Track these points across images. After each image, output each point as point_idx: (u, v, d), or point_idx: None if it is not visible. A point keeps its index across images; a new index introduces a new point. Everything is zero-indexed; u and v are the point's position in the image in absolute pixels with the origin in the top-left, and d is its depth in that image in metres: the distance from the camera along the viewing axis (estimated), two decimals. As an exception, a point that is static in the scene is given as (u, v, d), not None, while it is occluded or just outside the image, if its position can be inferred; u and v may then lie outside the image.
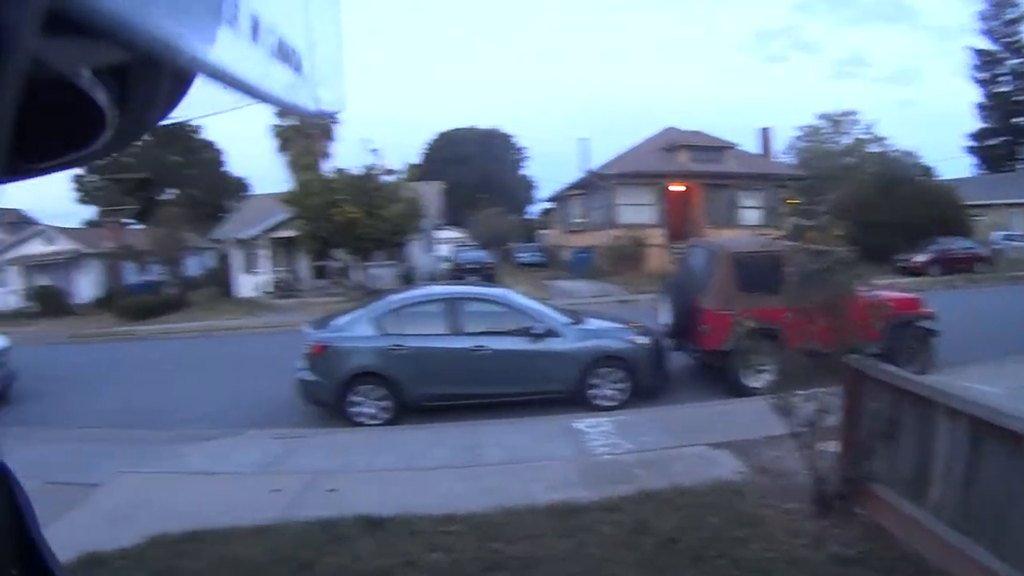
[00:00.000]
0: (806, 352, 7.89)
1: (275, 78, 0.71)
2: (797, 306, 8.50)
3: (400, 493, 9.05)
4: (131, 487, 10.50)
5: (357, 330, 13.98)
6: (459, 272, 43.34)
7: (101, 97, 0.78)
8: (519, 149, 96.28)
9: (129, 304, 39.74)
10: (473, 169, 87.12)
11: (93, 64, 0.74)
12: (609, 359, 13.71)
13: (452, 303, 14.23)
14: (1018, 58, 74.72)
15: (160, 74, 0.78)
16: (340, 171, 38.49)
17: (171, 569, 7.22)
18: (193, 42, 0.58)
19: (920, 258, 40.72)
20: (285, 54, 0.72)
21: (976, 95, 78.26)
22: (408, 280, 40.21)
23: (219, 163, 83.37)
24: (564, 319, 14.18)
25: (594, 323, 14.58)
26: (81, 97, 0.76)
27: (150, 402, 17.45)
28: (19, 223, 66.99)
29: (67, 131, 0.84)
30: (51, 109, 0.77)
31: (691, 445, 10.45)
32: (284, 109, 0.84)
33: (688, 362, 15.94)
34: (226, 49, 0.62)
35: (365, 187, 36.32)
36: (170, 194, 74.29)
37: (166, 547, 7.78)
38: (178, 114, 0.87)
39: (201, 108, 0.86)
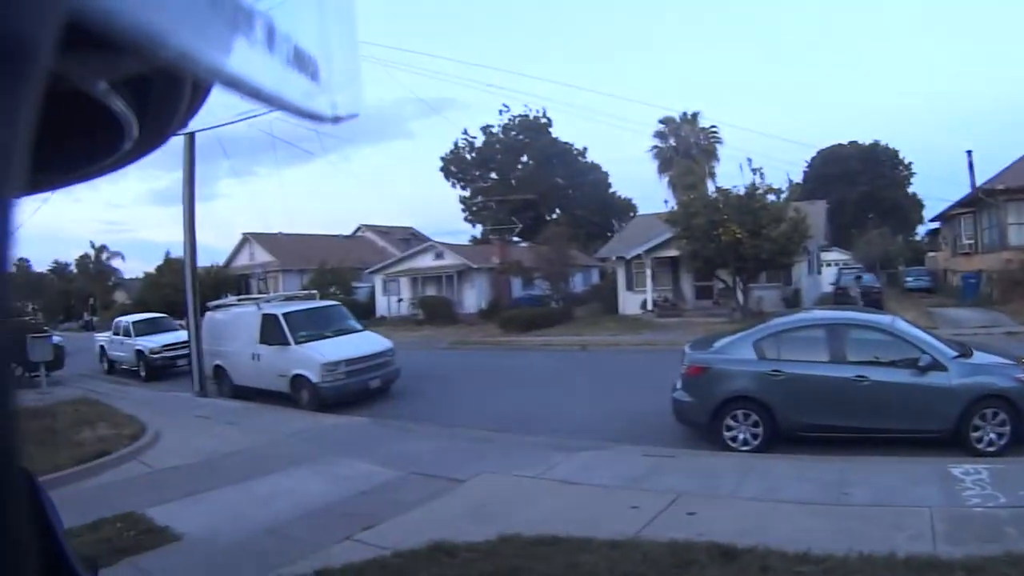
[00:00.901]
0: None
1: (292, 86, 0.71)
2: None
3: (758, 524, 8.90)
4: (494, 487, 11.03)
5: (736, 353, 13.81)
6: (843, 296, 41.70)
7: (120, 109, 0.81)
8: (905, 164, 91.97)
9: (513, 316, 41.17)
10: (856, 187, 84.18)
11: (112, 77, 0.77)
12: (993, 399, 12.58)
13: (835, 329, 13.75)
14: None
15: (178, 85, 0.81)
16: (724, 191, 38.11)
17: (516, 569, 7.45)
18: (210, 53, 0.59)
19: None
20: (301, 62, 0.73)
21: None
22: (792, 303, 39.34)
23: (605, 184, 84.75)
24: (951, 352, 13.18)
25: (982, 357, 13.46)
26: (101, 109, 0.79)
27: (524, 408, 18.09)
28: (411, 239, 71.32)
29: (87, 143, 0.87)
30: (71, 122, 0.80)
31: None
32: (301, 116, 0.77)
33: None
34: (243, 59, 0.63)
35: (749, 207, 35.65)
36: (556, 214, 76.03)
37: (515, 547, 8.06)
38: (197, 124, 0.86)
39: (220, 117, 0.85)
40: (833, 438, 12.93)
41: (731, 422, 13.42)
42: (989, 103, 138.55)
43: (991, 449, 12.34)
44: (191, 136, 22.37)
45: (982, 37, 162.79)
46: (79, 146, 0.89)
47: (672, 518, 9.28)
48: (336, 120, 0.81)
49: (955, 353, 13.15)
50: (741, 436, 13.34)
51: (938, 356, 12.90)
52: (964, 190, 48.41)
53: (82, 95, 0.76)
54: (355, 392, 19.89)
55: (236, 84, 0.64)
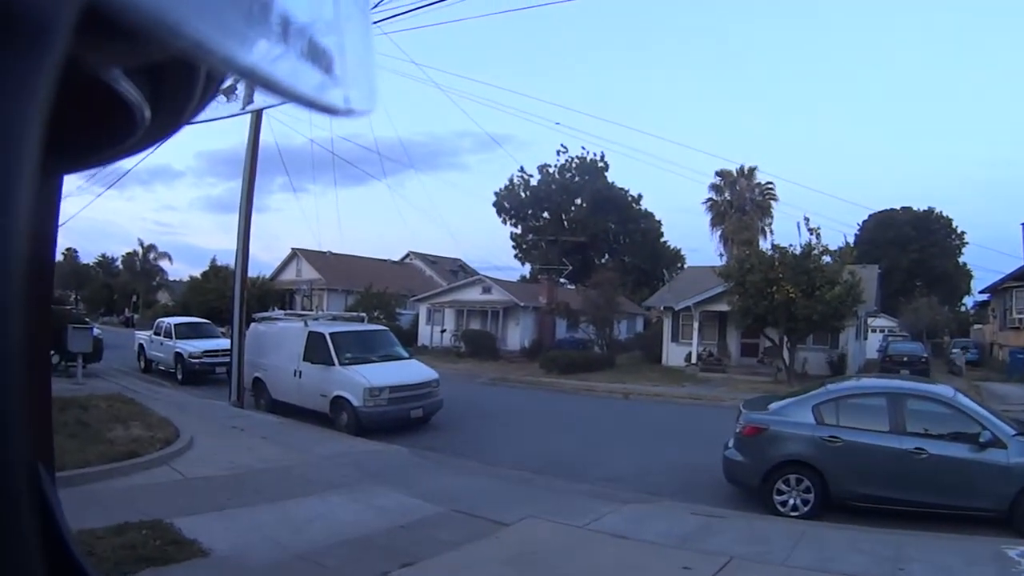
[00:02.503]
0: None
1: (305, 78, 0.71)
2: None
3: None
4: (539, 533, 10.74)
5: (794, 416, 13.64)
6: (891, 364, 41.82)
7: (134, 96, 0.80)
8: (958, 234, 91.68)
9: (556, 357, 41.12)
10: (907, 253, 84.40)
11: (127, 64, 0.76)
12: None
13: (896, 399, 13.47)
14: None
15: (192, 74, 0.81)
16: (781, 248, 37.88)
17: None
18: (225, 43, 0.59)
19: None
20: (315, 55, 0.72)
21: None
22: (838, 367, 39.34)
23: (657, 233, 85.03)
24: (1011, 429, 12.89)
25: None
26: (114, 96, 0.78)
27: (566, 453, 17.96)
28: (458, 271, 71.93)
29: (99, 130, 0.85)
30: (84, 108, 0.78)
31: None
32: (314, 109, 0.74)
33: None
34: (257, 50, 0.63)
35: (805, 267, 35.52)
36: (605, 258, 76.27)
37: None
38: (209, 114, 0.89)
39: (232, 107, 0.91)
40: (886, 511, 12.65)
41: (782, 486, 13.25)
42: None
43: None
44: (255, 138, 22.67)
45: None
46: (92, 131, 0.88)
47: None
48: (349, 114, 0.79)
49: (1015, 431, 12.88)
50: (792, 501, 13.15)
51: (998, 432, 12.66)
52: (1017, 263, 48.27)
53: (96, 80, 0.76)
54: (396, 420, 19.69)
55: (250, 75, 0.65)
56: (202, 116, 0.89)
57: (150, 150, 1.01)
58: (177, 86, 0.81)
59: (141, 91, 0.80)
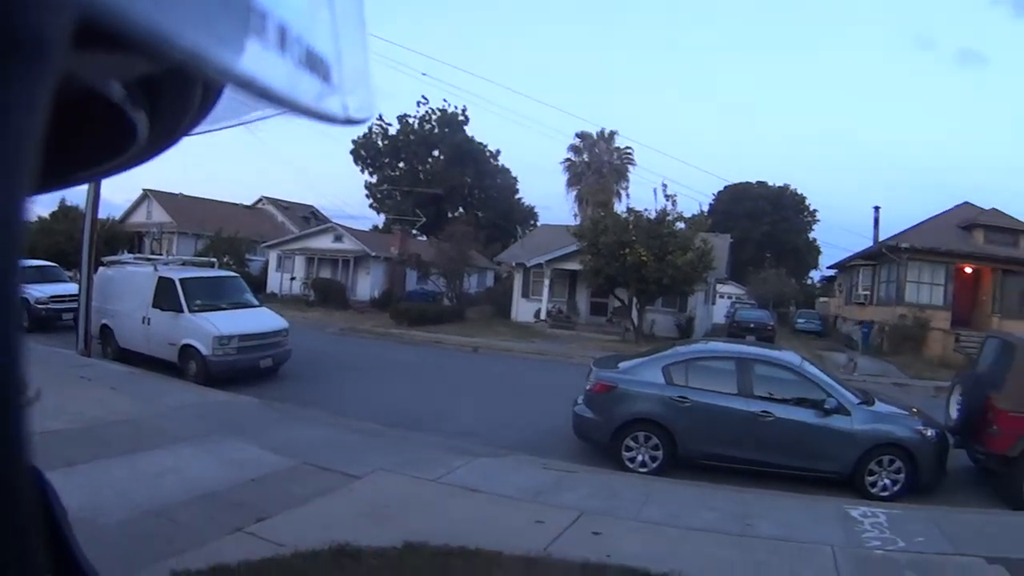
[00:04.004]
0: None
1: (303, 87, 0.69)
2: None
3: (665, 550, 8.86)
4: (392, 486, 10.77)
5: (644, 375, 13.89)
6: (737, 330, 43.02)
7: (131, 108, 0.79)
8: (810, 211, 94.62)
9: (406, 309, 41.12)
10: (760, 226, 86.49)
11: (123, 77, 0.75)
12: (892, 447, 13.01)
13: (744, 363, 13.94)
14: None
15: (190, 85, 0.80)
16: (635, 212, 38.54)
17: None
18: (222, 53, 0.57)
19: None
20: (313, 63, 0.70)
21: None
22: (685, 330, 40.14)
23: (512, 189, 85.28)
24: (855, 398, 13.56)
25: (883, 407, 13.89)
26: (111, 108, 0.78)
27: (415, 405, 18.04)
28: (311, 217, 70.99)
29: (97, 142, 0.86)
30: (81, 120, 0.78)
31: (965, 555, 9.76)
32: (312, 118, 0.72)
33: (967, 462, 14.82)
34: (255, 60, 0.61)
35: (658, 232, 36.16)
36: (459, 212, 76.15)
37: (423, 556, 7.81)
38: (208, 125, 0.88)
39: (231, 118, 0.87)
40: (732, 469, 13.14)
41: (631, 443, 13.50)
42: (901, 165, 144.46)
43: (884, 494, 12.77)
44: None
45: (901, 104, 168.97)
46: (88, 145, 0.87)
47: (578, 536, 9.16)
48: (348, 122, 0.78)
49: (858, 399, 13.53)
50: (640, 458, 13.41)
51: (842, 400, 13.24)
52: (865, 243, 50.08)
53: (93, 93, 0.74)
54: (245, 369, 19.39)
55: (248, 85, 0.62)
56: (200, 127, 0.87)
57: (147, 162, 0.98)
58: (174, 97, 0.81)
59: (138, 103, 0.80)
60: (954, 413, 14.63)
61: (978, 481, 14.41)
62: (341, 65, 0.76)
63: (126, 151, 0.87)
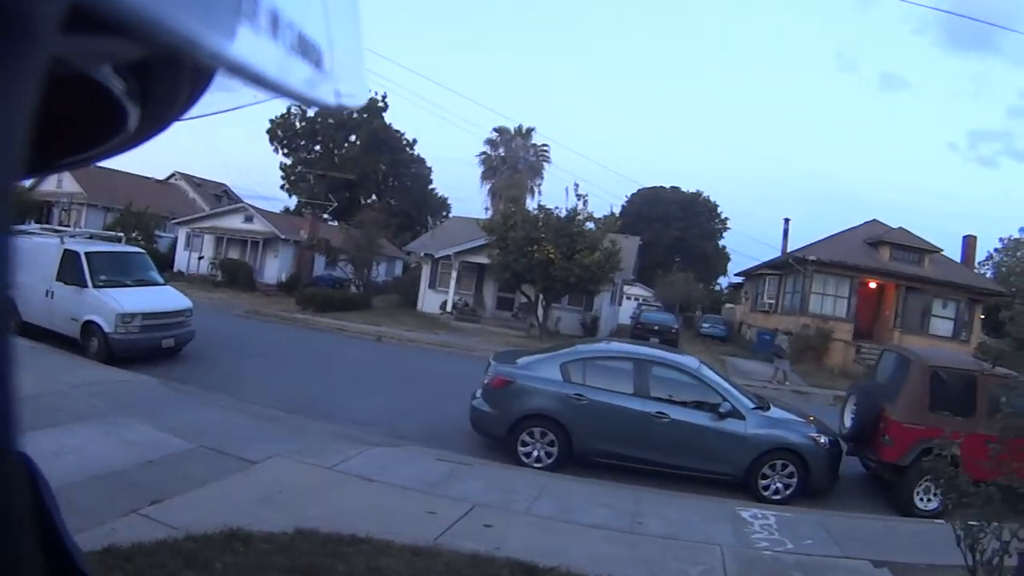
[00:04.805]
0: (1000, 486, 7.56)
1: (295, 73, 0.71)
2: (1003, 437, 8.13)
3: (556, 545, 8.96)
4: (288, 473, 10.75)
5: (542, 372, 13.98)
6: (641, 331, 43.09)
7: (121, 93, 0.79)
8: (722, 219, 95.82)
9: (312, 295, 40.68)
10: (670, 230, 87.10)
11: (114, 61, 0.75)
12: (785, 452, 13.35)
13: (642, 364, 14.13)
14: None
15: (181, 70, 0.79)
16: (545, 210, 38.67)
17: (315, 567, 7.24)
18: (214, 38, 0.58)
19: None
20: (305, 49, 0.72)
21: None
22: (590, 329, 40.44)
23: (426, 180, 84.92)
24: (750, 403, 13.87)
25: (778, 412, 14.22)
26: (101, 93, 0.78)
27: (316, 392, 17.91)
28: (223, 196, 69.77)
29: (86, 127, 0.86)
30: (70, 105, 0.78)
31: (853, 558, 10.08)
32: (304, 103, 0.81)
33: (859, 469, 15.41)
34: (246, 45, 0.62)
35: (568, 230, 36.38)
36: (372, 199, 75.67)
37: (314, 543, 7.85)
38: (199, 110, 0.87)
39: (221, 103, 0.86)
40: (628, 468, 13.30)
41: (527, 438, 13.60)
42: (811, 179, 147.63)
43: (777, 497, 13.12)
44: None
45: (820, 122, 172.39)
46: (77, 130, 0.86)
47: (469, 528, 9.27)
48: (340, 108, 0.80)
49: (753, 404, 13.83)
50: (535, 453, 13.53)
51: (737, 405, 13.53)
52: (773, 253, 51.00)
53: (83, 77, 0.73)
54: (147, 348, 19.06)
55: (239, 70, 0.63)
56: (192, 112, 0.86)
57: (137, 147, 0.98)
58: (166, 82, 0.81)
59: (129, 87, 0.80)
60: (848, 422, 15.03)
61: (871, 488, 14.89)
62: (333, 51, 0.78)
63: (116, 136, 0.88)
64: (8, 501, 0.60)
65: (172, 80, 0.80)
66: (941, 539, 7.74)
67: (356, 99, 0.84)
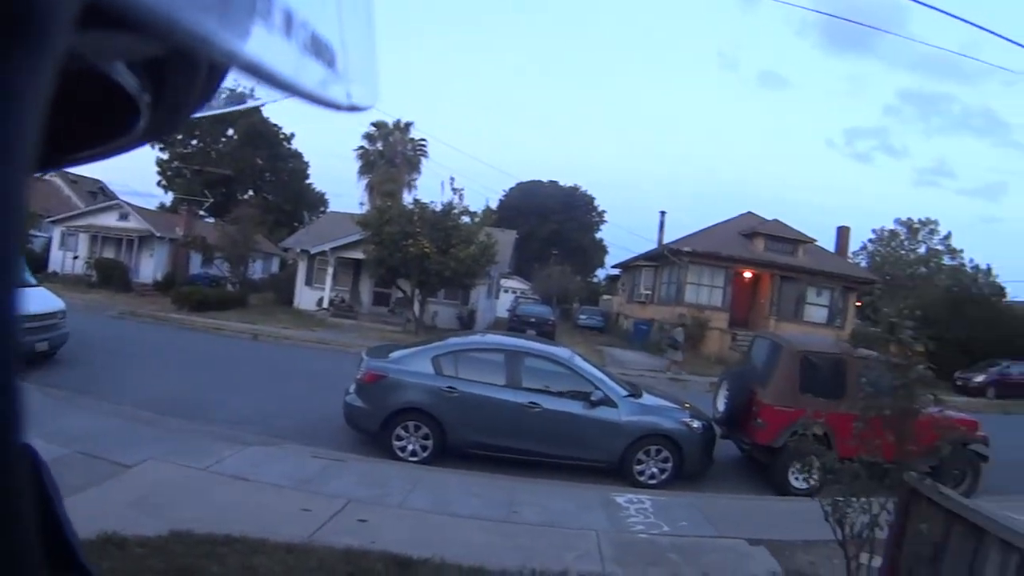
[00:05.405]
0: (864, 462, 7.88)
1: (308, 73, 0.71)
2: (864, 415, 8.47)
3: (431, 536, 8.98)
4: (162, 476, 10.63)
5: (414, 365, 13.98)
6: (518, 324, 43.63)
7: (135, 90, 0.81)
8: (599, 212, 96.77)
9: (188, 294, 40.14)
10: (548, 223, 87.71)
11: (128, 58, 0.76)
12: (659, 437, 13.55)
13: (514, 356, 14.23)
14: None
15: (195, 68, 0.80)
16: (421, 204, 38.78)
17: (189, 568, 7.20)
18: (228, 36, 0.59)
19: (979, 379, 39.95)
20: (318, 49, 0.73)
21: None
22: (467, 322, 40.70)
23: (303, 175, 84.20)
24: (622, 391, 14.03)
25: (650, 399, 14.40)
26: (114, 89, 0.79)
27: (191, 393, 17.64)
28: (99, 193, 68.03)
29: (99, 122, 0.87)
30: (84, 100, 0.80)
31: (728, 537, 10.31)
32: (316, 104, 0.76)
33: (734, 452, 15.79)
34: (260, 44, 0.63)
35: (443, 224, 36.45)
36: (249, 195, 74.76)
37: (188, 544, 7.80)
38: (211, 107, 0.89)
39: (234, 101, 0.91)
40: (504, 459, 13.38)
41: (401, 432, 13.55)
42: (689, 174, 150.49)
43: (652, 482, 13.32)
44: None
45: (698, 117, 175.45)
46: (92, 125, 0.88)
47: (344, 523, 9.26)
48: (352, 109, 0.81)
49: (626, 392, 14.00)
50: (410, 447, 13.49)
51: (610, 393, 13.67)
52: (649, 245, 51.94)
53: (97, 74, 0.75)
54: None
55: (252, 69, 0.64)
56: (204, 110, 0.87)
57: (148, 144, 1.00)
58: (179, 80, 0.80)
59: (143, 85, 0.80)
60: (721, 406, 15.39)
61: (746, 470, 15.28)
62: (347, 52, 0.78)
63: (128, 133, 0.88)
64: (13, 493, 0.58)
65: (185, 77, 0.81)
66: (815, 517, 7.90)
67: (368, 101, 0.84)
